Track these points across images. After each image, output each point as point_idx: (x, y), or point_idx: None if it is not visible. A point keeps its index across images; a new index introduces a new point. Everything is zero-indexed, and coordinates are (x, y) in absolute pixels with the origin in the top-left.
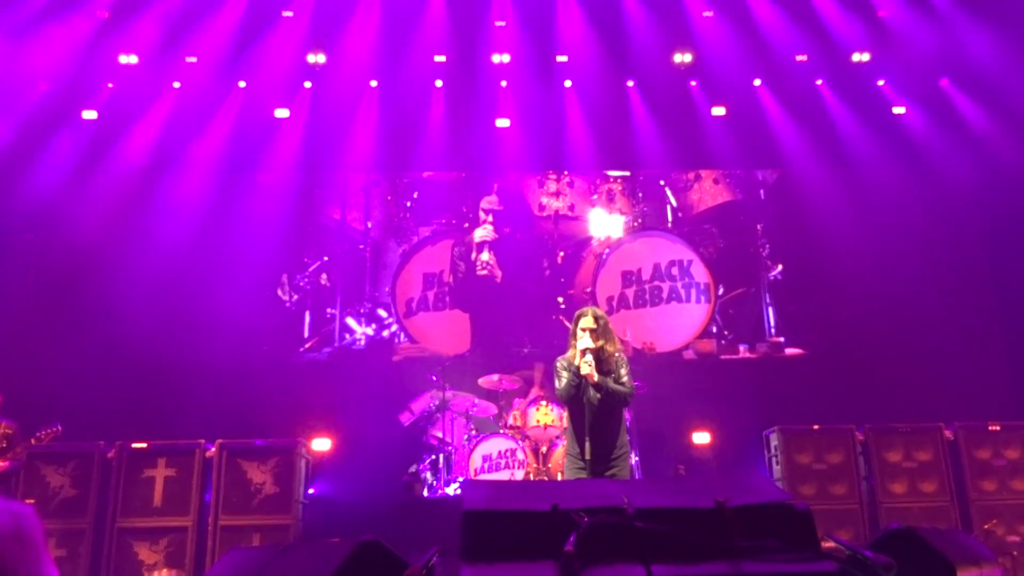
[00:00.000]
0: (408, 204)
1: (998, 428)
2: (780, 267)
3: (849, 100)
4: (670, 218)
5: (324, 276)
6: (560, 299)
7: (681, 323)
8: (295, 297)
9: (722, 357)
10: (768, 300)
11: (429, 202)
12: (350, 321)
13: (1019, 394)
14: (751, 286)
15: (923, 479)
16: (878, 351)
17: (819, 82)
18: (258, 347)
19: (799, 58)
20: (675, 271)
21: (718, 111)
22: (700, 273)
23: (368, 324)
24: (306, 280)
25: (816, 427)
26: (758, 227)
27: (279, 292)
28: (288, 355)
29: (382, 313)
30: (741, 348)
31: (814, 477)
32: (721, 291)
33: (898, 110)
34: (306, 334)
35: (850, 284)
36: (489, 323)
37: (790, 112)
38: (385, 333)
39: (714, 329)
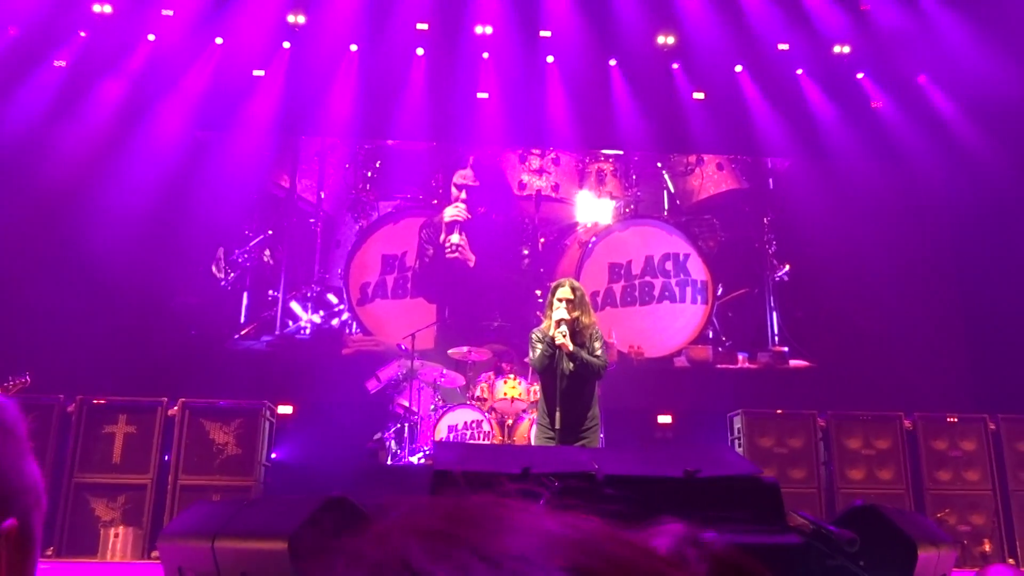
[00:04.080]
0: (369, 174)
1: (955, 420)
2: (787, 267)
3: (828, 91)
4: (666, 205)
5: (267, 252)
6: (538, 292)
7: (674, 325)
8: (232, 275)
9: (718, 366)
10: (772, 304)
11: (394, 173)
12: (295, 306)
13: (976, 388)
14: (754, 287)
15: (881, 467)
16: (845, 341)
17: (799, 71)
18: (186, 330)
19: (781, 47)
20: (669, 266)
21: (698, 95)
22: (697, 269)
23: (315, 310)
24: (246, 256)
25: (779, 412)
26: (765, 220)
27: (213, 268)
28: (220, 342)
29: (332, 299)
30: (740, 357)
31: (775, 460)
32: (720, 291)
33: (876, 104)
34: (243, 319)
35: (856, 287)
36: (456, 313)
37: (770, 100)
38: (335, 322)
39: (710, 334)
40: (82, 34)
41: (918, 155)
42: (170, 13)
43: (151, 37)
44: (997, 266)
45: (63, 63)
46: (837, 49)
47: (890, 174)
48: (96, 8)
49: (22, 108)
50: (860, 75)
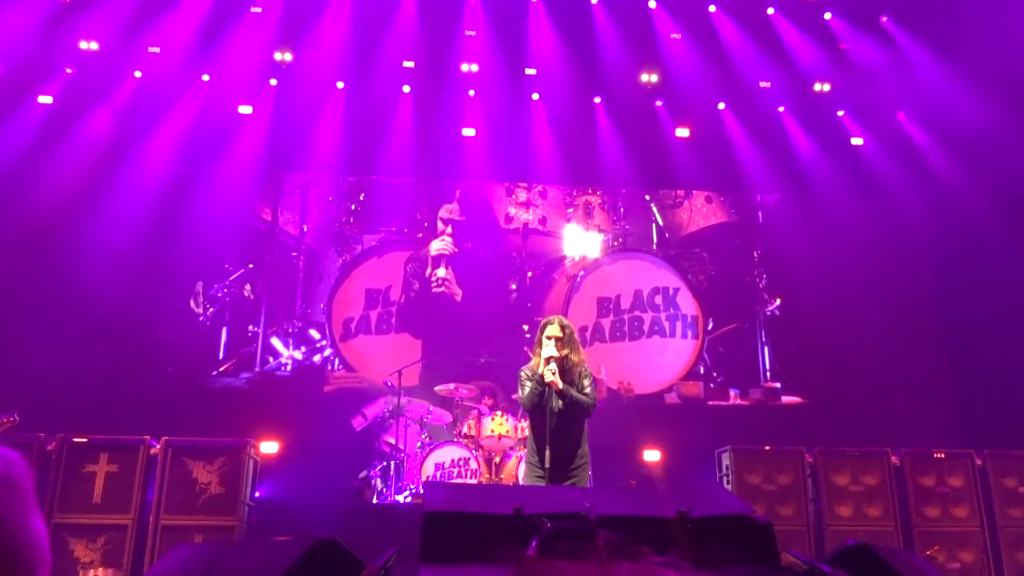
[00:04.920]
0: (353, 207)
1: (943, 456)
2: (778, 301)
3: (810, 128)
4: (655, 239)
5: (247, 287)
6: (525, 327)
7: (664, 361)
8: (210, 310)
9: (710, 403)
10: (764, 339)
11: (378, 206)
12: (275, 342)
13: (961, 424)
14: (745, 322)
15: (869, 503)
16: (836, 377)
17: (781, 109)
18: (162, 367)
19: (763, 84)
20: (659, 300)
21: (682, 132)
22: (687, 304)
23: (297, 346)
24: (225, 290)
25: (767, 448)
26: (755, 254)
27: (191, 303)
28: (198, 379)
29: (314, 334)
30: (732, 393)
31: (763, 497)
32: (711, 326)
33: (856, 141)
34: (221, 355)
35: (845, 322)
36: (442, 348)
37: (753, 136)
38: (316, 358)
39: (701, 370)
40: (68, 70)
41: (899, 191)
42: (157, 50)
43: (138, 74)
44: (978, 300)
45: (49, 99)
46: (817, 87)
47: (873, 210)
48: (83, 45)
49: (7, 143)
50: (840, 112)
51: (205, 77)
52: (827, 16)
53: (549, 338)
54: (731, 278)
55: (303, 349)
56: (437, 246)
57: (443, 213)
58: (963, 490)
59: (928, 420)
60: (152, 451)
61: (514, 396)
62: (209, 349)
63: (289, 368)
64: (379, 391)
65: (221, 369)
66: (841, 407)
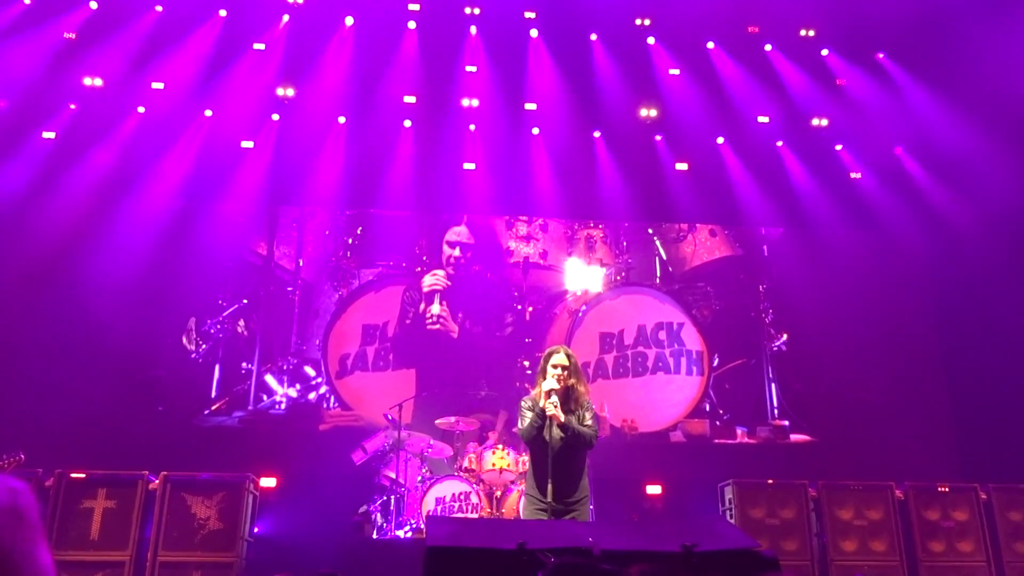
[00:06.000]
0: (350, 241)
1: (947, 489)
2: (785, 336)
3: (808, 162)
4: (659, 273)
5: (241, 323)
6: (527, 363)
7: (669, 398)
8: (203, 347)
9: (716, 441)
10: (771, 375)
11: (376, 240)
12: (269, 379)
13: (964, 458)
14: (751, 357)
15: (873, 537)
16: (842, 413)
17: (780, 143)
18: (153, 406)
19: (761, 119)
20: (663, 335)
21: (682, 166)
22: (692, 339)
23: (291, 384)
24: (218, 326)
25: (770, 482)
26: (760, 288)
27: (184, 340)
28: (189, 418)
29: (309, 371)
30: (738, 431)
31: (767, 532)
32: (716, 362)
33: (855, 175)
34: (214, 393)
35: (849, 358)
36: (442, 383)
37: (752, 171)
38: (312, 396)
39: (707, 407)
40: (72, 106)
41: (900, 225)
42: (160, 86)
43: (141, 109)
44: (980, 333)
45: (52, 134)
46: (815, 122)
47: (874, 244)
48: (87, 81)
49: (10, 178)
50: (839, 147)
51: (208, 112)
52: (824, 52)
53: (555, 367)
54: (737, 313)
55: (298, 387)
56: (428, 281)
57: (451, 236)
58: (968, 524)
59: (931, 454)
60: (151, 486)
61: (515, 429)
62: (201, 387)
63: (283, 406)
64: (376, 429)
65: (213, 408)
66: (846, 443)
